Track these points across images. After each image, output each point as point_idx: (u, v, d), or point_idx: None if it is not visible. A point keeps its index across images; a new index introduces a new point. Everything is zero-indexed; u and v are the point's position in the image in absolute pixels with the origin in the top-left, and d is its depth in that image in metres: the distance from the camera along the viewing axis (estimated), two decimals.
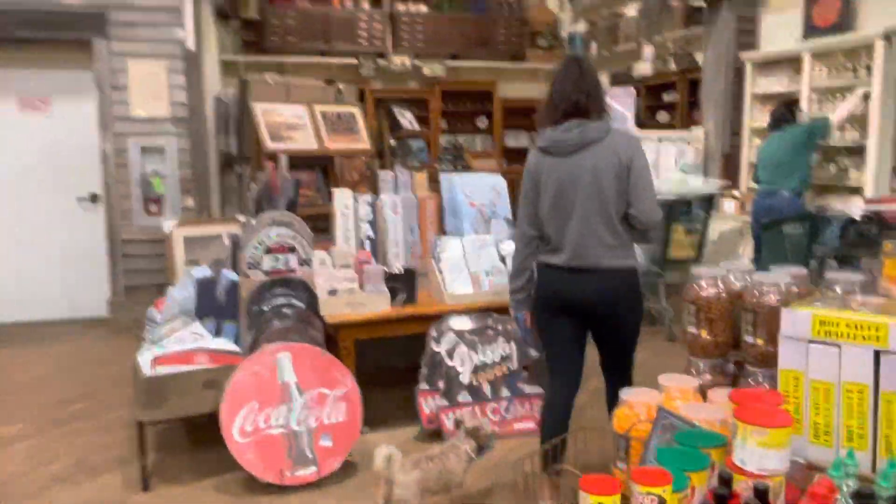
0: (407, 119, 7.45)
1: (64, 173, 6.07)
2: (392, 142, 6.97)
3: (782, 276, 2.41)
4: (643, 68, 10.17)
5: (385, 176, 4.09)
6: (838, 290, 2.14)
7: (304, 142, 6.05)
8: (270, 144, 5.78)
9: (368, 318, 3.50)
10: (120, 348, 5.30)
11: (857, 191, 5.52)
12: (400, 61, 12.28)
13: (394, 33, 12.40)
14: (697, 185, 5.70)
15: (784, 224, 4.73)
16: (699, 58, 9.07)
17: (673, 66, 9.48)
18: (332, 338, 3.46)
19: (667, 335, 5.58)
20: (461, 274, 3.66)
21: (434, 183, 4.19)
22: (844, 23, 5.77)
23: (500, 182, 4.17)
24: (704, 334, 2.51)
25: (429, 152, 7.88)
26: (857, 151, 5.56)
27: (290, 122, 6.01)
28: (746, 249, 6.11)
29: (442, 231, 4.06)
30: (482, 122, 13.03)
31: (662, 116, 9.56)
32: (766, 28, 6.71)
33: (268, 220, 3.53)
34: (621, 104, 7.37)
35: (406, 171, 4.15)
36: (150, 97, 5.65)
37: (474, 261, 3.76)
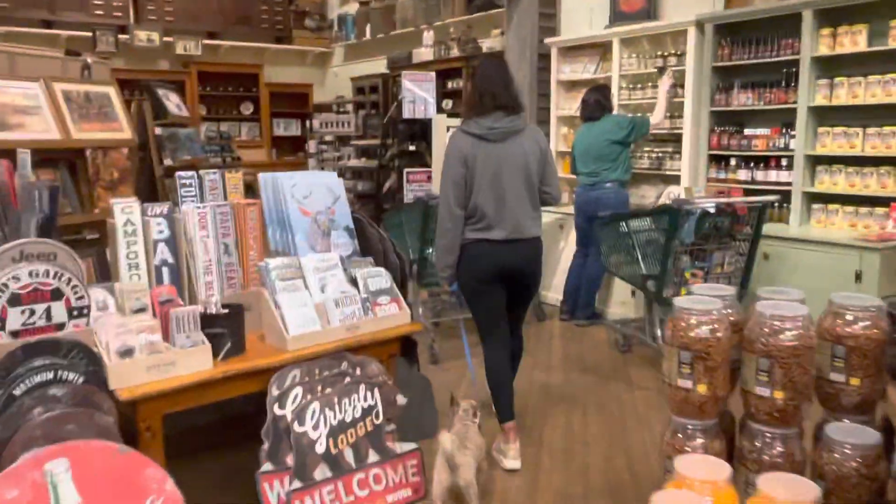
0: (174, 103, 6.11)
1: None
2: (158, 130, 5.64)
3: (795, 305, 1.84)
4: (424, 54, 9.60)
5: (187, 177, 2.95)
6: None
7: (41, 130, 4.55)
8: None
9: (182, 383, 2.42)
10: None
11: (672, 179, 5.38)
12: (146, 37, 10.53)
13: (136, 3, 10.59)
14: None
15: (628, 219, 4.34)
16: (485, 44, 8.71)
17: (456, 52, 9.03)
18: (129, 419, 2.33)
19: None
20: (304, 307, 2.70)
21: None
22: (652, 10, 5.59)
23: (336, 183, 3.24)
24: (703, 389, 1.88)
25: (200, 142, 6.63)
26: (673, 140, 5.43)
27: (19, 103, 4.47)
28: (567, 244, 5.77)
29: (267, 249, 3.03)
30: (247, 108, 11.68)
31: (446, 104, 9.08)
32: (566, 14, 6.41)
33: (10, 253, 2.27)
34: (422, 89, 6.69)
35: (215, 172, 3.04)
36: None
37: (318, 288, 2.82)
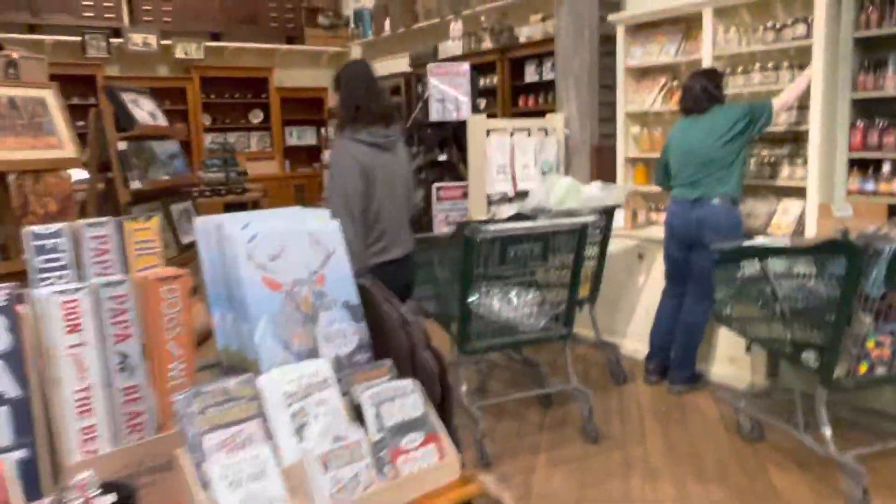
0: (145, 110, 4.85)
1: None
2: (122, 145, 4.37)
3: None
4: (452, 48, 8.26)
5: (45, 235, 1.61)
6: None
7: None
8: None
9: None
10: None
11: (793, 193, 3.97)
12: (142, 40, 9.31)
13: (130, 4, 9.39)
14: (595, 193, 3.84)
15: (767, 256, 2.94)
16: (523, 33, 7.34)
17: (489, 44, 7.68)
18: None
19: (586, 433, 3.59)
20: (260, 482, 1.40)
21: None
22: None
23: (328, 228, 1.90)
24: None
25: (187, 158, 5.37)
26: (792, 139, 4.02)
27: None
28: (650, 278, 4.37)
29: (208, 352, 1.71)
30: (256, 116, 10.43)
31: (480, 104, 7.71)
32: None
33: None
34: (453, 86, 5.34)
35: (111, 222, 1.69)
36: None
37: (291, 432, 1.50)
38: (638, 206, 4.55)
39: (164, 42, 9.42)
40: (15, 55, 3.70)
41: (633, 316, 4.47)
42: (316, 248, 1.90)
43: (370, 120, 2.81)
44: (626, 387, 4.02)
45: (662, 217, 4.25)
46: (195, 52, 9.67)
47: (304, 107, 10.50)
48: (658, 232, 4.20)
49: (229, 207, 8.39)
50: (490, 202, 4.80)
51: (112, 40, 9.17)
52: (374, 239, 2.81)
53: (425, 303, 3.66)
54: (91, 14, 9.09)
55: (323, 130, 10.43)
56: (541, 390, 3.66)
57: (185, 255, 5.03)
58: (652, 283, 4.33)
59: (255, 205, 8.36)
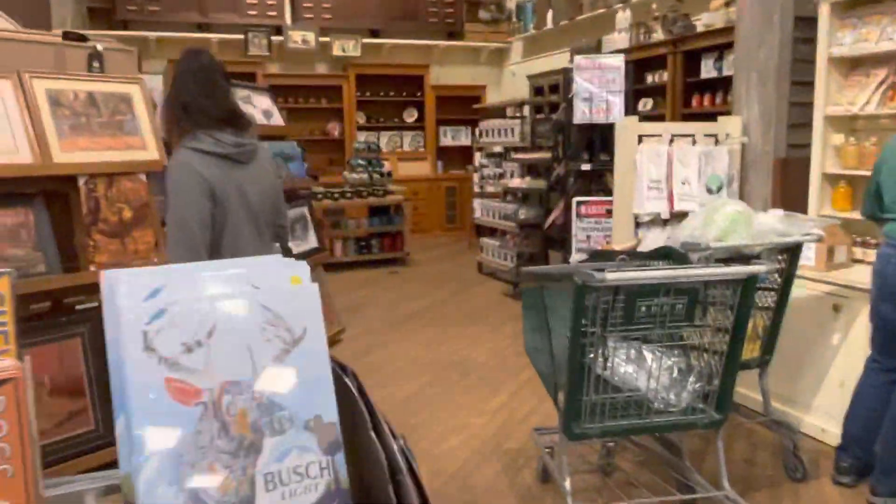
0: (258, 108, 4.45)
1: None
2: None
3: None
4: (618, 40, 7.28)
5: None
6: None
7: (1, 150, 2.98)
8: None
9: None
10: None
11: None
12: (301, 38, 9.19)
13: (293, 2, 9.31)
14: (773, 226, 2.82)
15: None
16: (700, 21, 6.23)
17: (660, 36, 6.63)
18: None
19: None
20: None
21: None
22: None
23: (304, 295, 1.18)
24: None
25: (305, 161, 4.90)
26: None
27: None
28: (847, 340, 3.25)
29: None
30: (410, 115, 10.03)
31: (644, 104, 6.69)
32: None
33: None
34: (602, 82, 4.45)
35: None
36: None
37: None
38: (836, 241, 3.43)
39: (322, 39, 9.25)
40: (100, 47, 3.36)
41: (822, 386, 3.36)
42: (272, 330, 1.20)
43: (207, 124, 2.22)
44: (804, 486, 2.96)
45: (871, 257, 3.13)
46: (352, 50, 9.42)
47: (460, 105, 9.93)
48: (863, 277, 3.09)
49: (373, 210, 8.01)
50: (638, 224, 3.88)
51: (273, 38, 9.13)
52: None
53: (535, 356, 2.87)
54: (255, 12, 9.10)
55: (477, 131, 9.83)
56: (678, 496, 2.72)
57: None
58: (851, 347, 3.21)
59: (398, 208, 7.90)
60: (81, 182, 3.13)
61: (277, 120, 4.69)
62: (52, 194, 3.17)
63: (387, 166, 8.30)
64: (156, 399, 1.10)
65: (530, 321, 2.88)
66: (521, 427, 3.54)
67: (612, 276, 2.13)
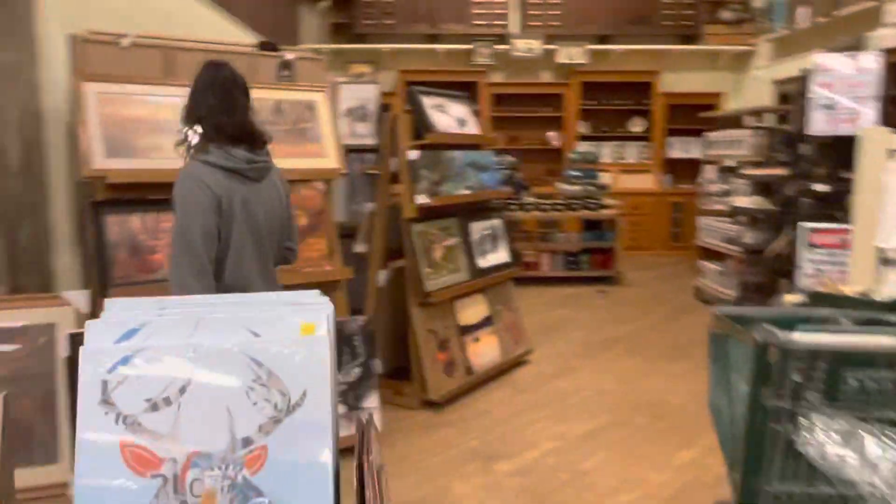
0: (451, 116, 4.30)
1: None
2: (413, 154, 3.87)
3: None
4: (886, 38, 6.13)
5: None
6: None
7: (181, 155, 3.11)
8: (100, 161, 2.89)
9: None
10: None
11: None
12: (526, 46, 9.03)
13: (522, 11, 9.18)
14: None
15: None
16: None
17: None
18: None
19: None
20: None
21: None
22: None
23: (314, 345, 0.92)
24: None
25: (513, 176, 4.64)
26: None
27: (164, 118, 3.10)
28: None
29: None
30: (636, 124, 9.43)
31: None
32: None
33: None
34: (849, 86, 3.67)
35: None
36: None
37: None
38: None
39: (547, 47, 9.02)
40: (290, 56, 3.41)
41: None
42: (261, 392, 0.97)
43: (221, 139, 2.16)
44: None
45: None
46: (578, 57, 9.07)
47: (692, 114, 9.12)
48: None
49: (586, 224, 7.61)
50: (883, 261, 3.10)
51: (497, 47, 9.09)
52: (237, 290, 2.12)
53: (716, 417, 2.35)
54: (482, 22, 9.13)
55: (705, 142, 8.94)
56: None
57: (477, 280, 4.39)
58: None
59: (612, 223, 7.41)
60: None
61: (472, 128, 4.52)
62: None
63: (604, 178, 7.84)
64: (107, 465, 0.91)
65: (715, 372, 2.37)
66: (706, 494, 2.99)
67: (807, 337, 1.60)
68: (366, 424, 1.06)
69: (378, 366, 4.20)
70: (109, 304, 1.06)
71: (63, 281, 3.37)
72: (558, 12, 9.04)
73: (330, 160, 3.37)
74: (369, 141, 5.07)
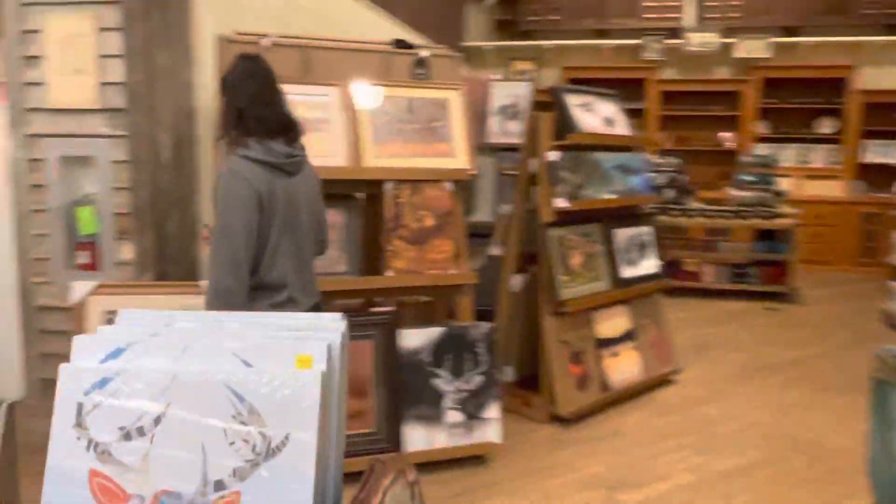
0: (598, 115, 4.01)
1: None
2: (553, 156, 3.67)
3: None
4: None
5: None
6: None
7: (321, 154, 3.13)
8: None
9: None
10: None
11: None
12: (701, 39, 8.44)
13: (698, 2, 8.58)
14: None
15: None
16: None
17: None
18: None
19: None
20: None
21: None
22: None
23: (300, 382, 0.80)
24: None
25: (677, 179, 4.28)
26: None
27: (302, 116, 3.13)
28: None
29: None
30: (825, 125, 8.48)
31: None
32: None
33: None
34: None
35: None
36: (71, 74, 3.28)
37: None
38: None
39: (725, 40, 8.36)
40: (424, 53, 3.34)
41: None
42: (240, 431, 0.87)
43: (260, 132, 2.14)
44: None
45: None
46: (759, 51, 8.32)
47: (894, 114, 8.06)
48: None
49: (757, 234, 6.96)
50: None
51: (668, 41, 8.56)
52: (273, 289, 2.16)
53: (873, 472, 1.97)
54: (652, 15, 8.65)
55: None
56: None
57: (620, 291, 4.10)
58: None
59: (787, 234, 6.71)
60: (388, 187, 3.16)
61: (622, 128, 4.22)
62: (368, 198, 3.27)
63: (782, 184, 7.12)
64: (74, 494, 0.85)
65: (875, 425, 1.98)
66: None
67: None
68: (373, 472, 0.93)
69: (508, 373, 4.07)
70: (125, 313, 1.01)
71: (205, 270, 3.54)
72: (739, 3, 8.35)
73: (459, 160, 3.27)
74: (519, 140, 4.92)
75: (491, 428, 3.28)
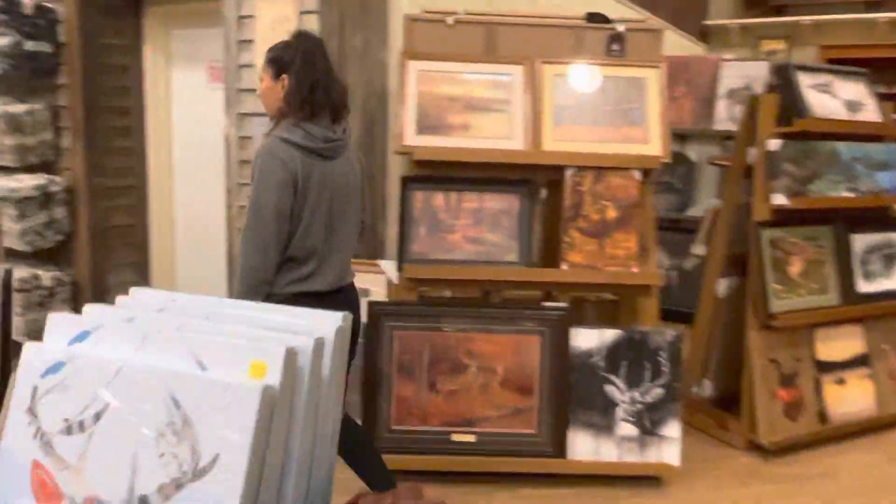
0: (839, 97, 3.31)
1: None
2: (773, 145, 3.13)
3: None
4: None
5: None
6: None
7: (494, 136, 2.97)
8: (411, 138, 2.92)
9: None
10: None
11: None
12: None
13: None
14: None
15: None
16: None
17: None
18: None
19: None
20: None
21: None
22: None
23: (244, 391, 0.68)
24: None
25: None
26: None
27: (479, 96, 2.99)
28: None
29: None
30: None
31: None
32: None
33: None
34: None
35: None
36: None
37: None
38: None
39: None
40: (621, 28, 3.01)
41: None
42: (171, 442, 0.77)
43: (317, 111, 2.17)
44: None
45: None
46: None
47: None
48: None
49: None
50: None
51: None
52: (296, 264, 2.19)
53: None
54: None
55: None
56: None
57: (854, 307, 3.46)
58: None
59: None
60: (568, 174, 2.92)
61: (870, 114, 3.52)
62: (537, 184, 3.06)
63: None
64: (16, 482, 0.79)
65: None
66: None
67: None
68: None
69: (706, 388, 3.62)
70: (135, 292, 0.95)
71: (392, 250, 3.57)
72: None
73: (652, 146, 2.92)
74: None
75: (669, 448, 2.92)
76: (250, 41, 3.45)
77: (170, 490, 0.70)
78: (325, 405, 0.80)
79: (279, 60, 2.19)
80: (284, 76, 2.16)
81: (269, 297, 2.15)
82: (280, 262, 2.15)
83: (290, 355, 0.73)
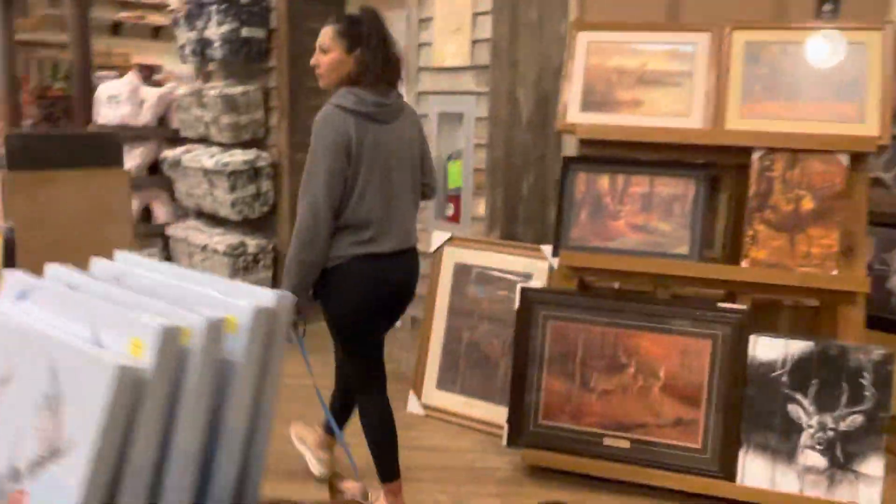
0: None
1: None
2: None
3: None
4: None
5: None
6: None
7: (667, 111, 2.63)
8: (575, 115, 2.68)
9: None
10: None
11: None
12: None
13: None
14: None
15: None
16: None
17: None
18: None
19: None
20: None
21: None
22: None
23: (102, 391, 0.62)
24: None
25: None
26: None
27: (652, 68, 2.65)
28: None
29: None
30: None
31: None
32: None
33: None
34: None
35: None
36: (451, 33, 3.24)
37: None
38: None
39: None
40: None
41: None
42: (44, 418, 0.73)
43: (375, 81, 2.20)
44: None
45: None
46: None
47: None
48: None
49: None
50: None
51: None
52: (357, 227, 2.21)
53: None
54: None
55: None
56: None
57: None
58: None
59: None
60: (755, 156, 2.52)
61: None
62: (719, 167, 2.67)
63: None
64: None
65: None
66: None
67: None
68: None
69: None
70: (119, 256, 0.92)
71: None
72: None
73: (868, 126, 2.41)
74: None
75: (866, 487, 2.43)
76: (429, 19, 3.43)
77: (35, 467, 0.64)
78: (235, 394, 0.69)
79: (353, 34, 2.21)
80: (358, 49, 2.19)
81: (333, 259, 2.23)
82: (338, 226, 2.20)
83: (169, 335, 0.64)
